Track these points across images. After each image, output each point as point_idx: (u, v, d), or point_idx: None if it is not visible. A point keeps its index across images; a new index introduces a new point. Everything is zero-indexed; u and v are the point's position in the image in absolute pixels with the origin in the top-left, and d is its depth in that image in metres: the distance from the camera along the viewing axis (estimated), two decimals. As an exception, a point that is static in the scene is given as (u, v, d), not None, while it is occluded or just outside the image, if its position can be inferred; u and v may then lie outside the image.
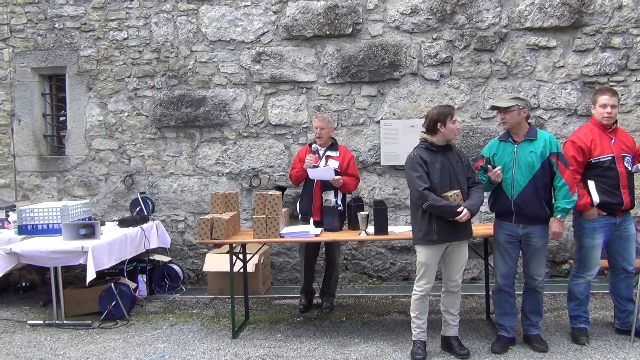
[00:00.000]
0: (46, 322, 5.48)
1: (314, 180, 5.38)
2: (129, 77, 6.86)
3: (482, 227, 5.17)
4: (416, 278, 4.34)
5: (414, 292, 4.34)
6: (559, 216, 4.26)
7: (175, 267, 6.59)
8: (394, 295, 6.08)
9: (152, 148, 6.88)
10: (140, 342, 4.94)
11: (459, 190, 4.17)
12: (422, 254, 4.26)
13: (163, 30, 6.78)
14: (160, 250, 6.62)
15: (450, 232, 4.17)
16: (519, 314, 4.64)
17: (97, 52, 6.88)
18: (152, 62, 6.82)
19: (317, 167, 5.33)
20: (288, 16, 6.56)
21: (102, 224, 6.13)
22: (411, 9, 6.43)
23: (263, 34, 6.65)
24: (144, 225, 6.18)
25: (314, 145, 5.46)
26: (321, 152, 5.46)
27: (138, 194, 6.65)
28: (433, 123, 4.23)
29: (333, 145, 5.55)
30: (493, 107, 4.52)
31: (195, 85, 6.77)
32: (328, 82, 6.59)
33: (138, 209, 6.49)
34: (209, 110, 6.72)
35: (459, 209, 4.07)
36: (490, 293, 4.72)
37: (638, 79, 6.28)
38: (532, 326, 4.46)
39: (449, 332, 4.43)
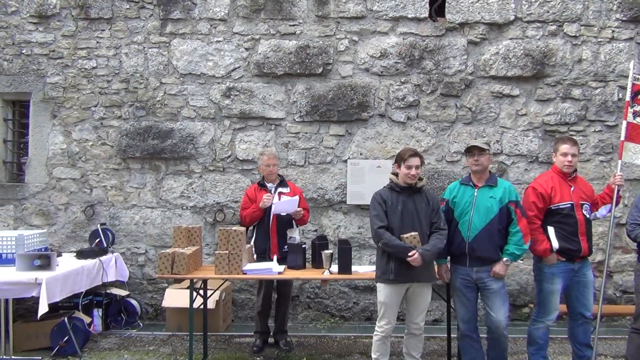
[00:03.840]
0: (-8, 356, 5.23)
1: (269, 217, 5.34)
2: (95, 106, 6.77)
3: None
4: (377, 318, 4.32)
5: (375, 332, 4.31)
6: (505, 259, 4.31)
7: (133, 301, 6.39)
8: (356, 336, 6.02)
9: (116, 179, 6.76)
10: (91, 380, 4.75)
11: (416, 233, 4.18)
12: (382, 293, 4.25)
13: (133, 61, 6.75)
14: (118, 284, 6.43)
15: (408, 274, 4.17)
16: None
17: (65, 80, 6.79)
18: (120, 92, 6.76)
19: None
20: (260, 53, 6.63)
21: (59, 255, 5.92)
22: (381, 52, 6.58)
23: (234, 69, 6.69)
24: (103, 258, 6.00)
25: (269, 185, 5.47)
26: (273, 189, 5.47)
27: (98, 225, 6.47)
28: (393, 164, 4.34)
29: (283, 182, 5.59)
30: (469, 148, 4.51)
31: (163, 117, 6.72)
32: (297, 120, 6.64)
33: (97, 240, 6.31)
34: (176, 142, 6.67)
35: (410, 252, 4.08)
36: (456, 338, 4.71)
37: (596, 130, 6.52)
38: None
39: (410, 375, 4.40)
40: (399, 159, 4.28)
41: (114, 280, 6.21)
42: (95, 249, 6.12)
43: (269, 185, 5.52)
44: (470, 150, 4.49)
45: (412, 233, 4.17)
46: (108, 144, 6.76)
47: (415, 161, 4.25)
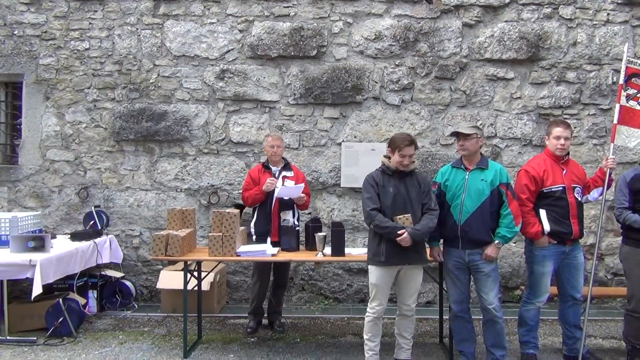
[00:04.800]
0: (-12, 337, 5.26)
1: (271, 200, 5.35)
2: (88, 88, 6.73)
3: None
4: (369, 300, 4.36)
5: (367, 314, 4.36)
6: (496, 241, 4.34)
7: (128, 283, 6.43)
8: (349, 317, 6.07)
9: (110, 161, 6.75)
10: (86, 361, 4.79)
11: (409, 214, 4.21)
12: (373, 274, 4.29)
13: (126, 43, 6.70)
14: (113, 266, 6.46)
15: (400, 255, 4.21)
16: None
17: (57, 62, 6.74)
18: (114, 74, 6.72)
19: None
20: (253, 35, 6.58)
21: (53, 236, 5.96)
22: (375, 35, 6.55)
23: (228, 51, 6.66)
24: (97, 240, 6.03)
25: (274, 168, 5.47)
26: (276, 173, 5.47)
27: (92, 208, 6.49)
28: (388, 147, 4.34)
29: (287, 165, 5.58)
30: (454, 133, 4.61)
31: (156, 99, 6.70)
32: (291, 103, 6.63)
33: (92, 222, 6.33)
34: (169, 125, 6.65)
35: (400, 232, 4.10)
36: (448, 320, 4.75)
37: (590, 113, 6.53)
38: None
39: (402, 356, 4.45)
40: (394, 146, 4.28)
41: (108, 262, 6.25)
42: (89, 231, 6.13)
43: (273, 168, 5.51)
44: (457, 135, 4.51)
45: (405, 214, 4.20)
46: (102, 126, 6.74)
47: (410, 150, 4.25)
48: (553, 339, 5.35)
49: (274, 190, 5.32)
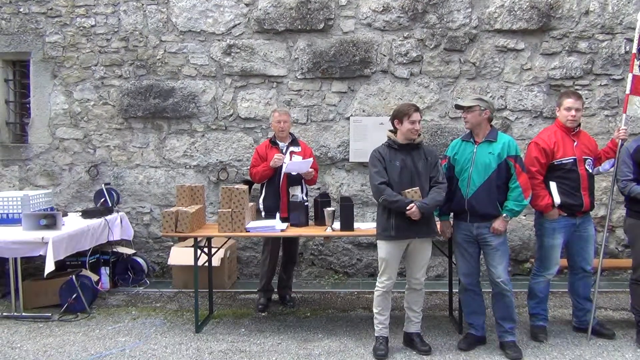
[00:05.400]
0: (4, 314, 5.34)
1: (279, 176, 5.35)
2: (95, 65, 6.72)
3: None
4: (378, 274, 4.38)
5: (376, 288, 4.37)
6: (504, 215, 4.30)
7: (140, 260, 6.49)
8: (359, 292, 6.11)
9: (118, 138, 6.76)
10: (100, 336, 4.86)
11: (417, 188, 4.19)
12: (382, 249, 4.29)
13: (132, 19, 6.66)
14: (125, 243, 6.53)
15: (409, 229, 4.20)
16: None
17: (64, 39, 6.72)
18: (120, 51, 6.70)
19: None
20: (260, 9, 6.51)
21: (65, 214, 6.01)
22: (383, 6, 6.45)
23: (234, 26, 6.59)
24: (108, 217, 6.08)
25: (281, 144, 5.46)
26: (284, 149, 5.45)
27: (103, 185, 6.54)
28: (392, 120, 4.32)
29: (294, 141, 5.56)
30: (457, 106, 4.56)
31: (164, 75, 6.67)
32: (299, 77, 6.57)
33: (102, 200, 6.39)
34: (177, 101, 6.63)
35: (409, 205, 4.10)
36: (457, 293, 4.77)
37: (602, 84, 6.42)
38: (505, 332, 4.41)
39: (411, 329, 4.48)
40: (401, 115, 4.24)
41: (119, 239, 6.31)
42: (100, 209, 6.19)
43: (280, 144, 5.49)
44: (460, 107, 4.45)
45: (414, 188, 4.18)
46: (110, 103, 6.74)
47: (417, 116, 4.23)
48: (563, 311, 5.35)
49: (281, 166, 5.31)
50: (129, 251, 6.42)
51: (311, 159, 5.41)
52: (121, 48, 6.69)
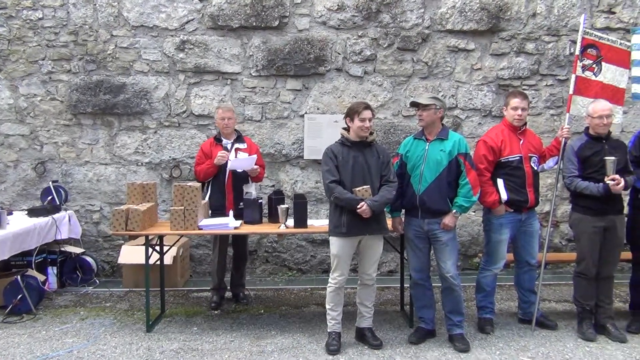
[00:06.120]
0: (-56, 316, 5.15)
1: (224, 174, 5.31)
2: (43, 59, 6.52)
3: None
4: (331, 270, 4.41)
5: (328, 284, 4.41)
6: (454, 211, 4.40)
7: (89, 259, 6.35)
8: (312, 288, 6.14)
9: (67, 135, 6.59)
10: (47, 337, 4.73)
11: (368, 186, 4.25)
12: (334, 245, 4.34)
13: (81, 12, 6.49)
14: (73, 242, 6.37)
15: (360, 226, 4.25)
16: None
17: (9, 32, 6.49)
18: (69, 45, 6.52)
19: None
20: (214, 5, 6.45)
21: (9, 213, 5.81)
22: (338, 5, 6.49)
23: (188, 22, 6.51)
24: (56, 215, 5.92)
25: (224, 141, 5.41)
26: (229, 146, 5.42)
27: (50, 183, 6.35)
28: (344, 118, 4.37)
29: (239, 137, 5.54)
30: (413, 103, 4.63)
31: (114, 71, 6.53)
32: (253, 74, 6.55)
33: (50, 198, 6.20)
34: (129, 97, 6.51)
35: (359, 204, 4.15)
36: (409, 288, 4.85)
37: (548, 84, 6.64)
38: (454, 325, 4.51)
39: (363, 324, 4.53)
40: (352, 113, 4.30)
41: (67, 238, 6.16)
42: (47, 207, 6.02)
43: (225, 141, 5.46)
44: (416, 105, 4.53)
45: (364, 186, 4.24)
46: (58, 99, 6.56)
47: (368, 114, 4.28)
48: (509, 303, 5.52)
49: (227, 164, 5.28)
50: (77, 250, 6.26)
51: (255, 156, 5.38)
52: (70, 42, 6.52)
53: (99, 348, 4.50)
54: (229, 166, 5.28)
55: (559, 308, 5.43)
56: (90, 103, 6.49)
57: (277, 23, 6.48)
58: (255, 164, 5.38)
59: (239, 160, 5.32)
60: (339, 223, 4.28)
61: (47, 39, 6.50)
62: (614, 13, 6.60)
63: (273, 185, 6.56)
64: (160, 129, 6.59)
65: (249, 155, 5.40)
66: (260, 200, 5.29)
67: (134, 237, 5.97)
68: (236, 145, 5.45)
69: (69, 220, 6.16)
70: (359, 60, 6.56)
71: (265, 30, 6.52)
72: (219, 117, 5.44)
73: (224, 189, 5.34)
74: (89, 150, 6.60)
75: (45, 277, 5.78)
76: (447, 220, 4.39)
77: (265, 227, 5.16)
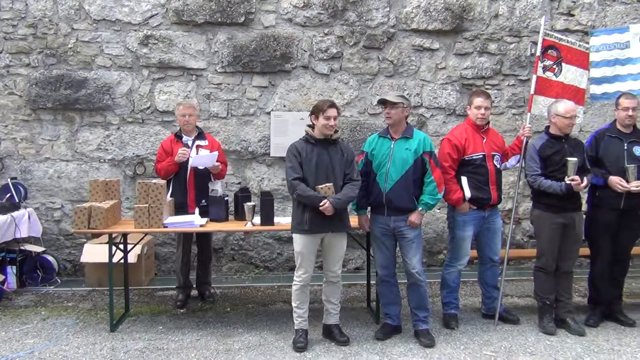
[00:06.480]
0: None
1: (186, 171, 5.26)
2: (0, 52, 6.32)
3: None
4: (295, 268, 4.42)
5: (293, 282, 4.43)
6: (420, 208, 4.47)
7: (50, 258, 6.19)
8: (279, 285, 6.14)
9: (26, 130, 6.41)
10: (6, 338, 4.60)
11: (331, 184, 4.28)
12: (297, 243, 4.36)
13: (41, 5, 6.31)
14: (34, 240, 6.20)
15: (323, 223, 4.28)
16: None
17: (-37, 23, 6.28)
18: (28, 38, 6.34)
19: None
20: (179, 0, 6.36)
21: (-35, 211, 5.64)
22: (304, 2, 6.48)
23: (151, 16, 6.41)
24: (14, 213, 5.76)
25: (185, 138, 5.35)
26: (189, 143, 5.36)
27: (9, 180, 6.16)
28: (310, 116, 4.38)
29: (201, 134, 5.48)
30: (381, 101, 4.64)
31: (76, 65, 6.38)
32: (219, 71, 6.49)
33: (8, 195, 6.03)
34: (90, 93, 6.37)
35: (322, 202, 4.18)
36: (375, 284, 4.90)
37: (510, 84, 6.78)
38: (419, 321, 4.58)
39: (330, 321, 4.56)
40: (317, 111, 4.31)
41: (27, 237, 5.99)
42: (5, 204, 5.85)
43: (185, 137, 5.39)
44: (383, 103, 4.57)
45: (327, 184, 4.26)
46: (16, 93, 6.37)
47: (333, 112, 4.29)
48: (473, 299, 5.63)
49: (188, 161, 5.22)
50: (37, 249, 6.11)
51: (216, 153, 5.33)
52: (29, 35, 6.33)
53: (61, 349, 4.40)
54: (190, 163, 5.22)
55: (521, 303, 5.57)
56: (50, 98, 6.33)
57: (242, 19, 6.44)
58: (217, 161, 5.33)
59: (200, 157, 5.26)
60: (302, 220, 4.29)
61: (4, 32, 6.31)
62: (573, 16, 6.79)
63: (239, 183, 6.53)
64: (124, 125, 6.47)
65: (210, 152, 5.34)
66: (226, 198, 5.26)
67: (97, 236, 5.86)
68: (197, 142, 5.39)
69: (29, 218, 5.99)
70: (325, 58, 6.58)
71: (230, 26, 6.47)
72: (180, 114, 5.36)
73: (185, 186, 5.27)
74: (49, 147, 6.43)
75: (4, 277, 5.63)
76: (413, 217, 4.45)
77: (232, 225, 5.13)
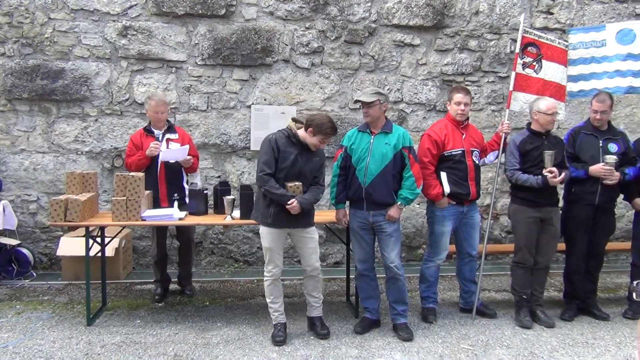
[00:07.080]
0: None
1: (157, 165, 5.20)
2: (-26, 41, 6.20)
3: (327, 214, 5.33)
4: (265, 264, 4.42)
5: (265, 277, 4.43)
6: (399, 203, 4.50)
7: (25, 251, 6.10)
8: (258, 279, 6.11)
9: (1, 121, 6.28)
10: (-21, 332, 4.54)
11: (300, 183, 4.30)
12: (266, 239, 4.38)
13: (17, -7, 6.19)
14: (8, 233, 6.10)
15: (287, 219, 4.30)
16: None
17: (-64, 11, 6.13)
18: (3, 27, 6.20)
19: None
20: (158, -9, 6.29)
21: (-62, 203, 5.52)
22: (286, -5, 6.46)
23: (131, 7, 6.32)
24: (-12, 206, 5.65)
25: (156, 132, 5.29)
26: (160, 136, 5.30)
27: (-18, 171, 6.06)
28: (306, 126, 4.30)
29: (171, 128, 5.40)
30: (357, 101, 4.67)
31: (52, 55, 6.27)
32: (199, 63, 6.43)
33: (-18, 187, 5.92)
34: (68, 83, 6.26)
35: (290, 200, 4.20)
36: (354, 278, 4.92)
37: (489, 80, 6.84)
38: (398, 315, 4.62)
39: (313, 313, 4.58)
40: (319, 131, 4.23)
41: (2, 230, 5.89)
42: (-21, 197, 5.73)
43: (156, 131, 5.32)
44: (360, 102, 4.56)
45: (297, 183, 4.28)
46: (-10, 83, 6.25)
47: (331, 139, 4.37)
48: (451, 293, 5.68)
49: (159, 155, 5.17)
50: (12, 242, 6.01)
51: (187, 146, 5.28)
52: (4, 24, 6.20)
53: (36, 343, 4.34)
54: (161, 157, 5.17)
55: (498, 297, 5.64)
56: (26, 88, 6.21)
57: (223, 12, 6.38)
58: (189, 154, 5.28)
59: (171, 151, 5.21)
60: (266, 213, 4.33)
61: (-21, 20, 6.18)
62: (552, 14, 6.87)
63: (219, 176, 6.48)
64: (102, 117, 6.38)
65: (181, 145, 5.29)
66: (205, 191, 5.22)
67: (74, 228, 5.79)
68: (167, 136, 5.32)
69: (4, 210, 5.88)
70: (306, 52, 6.56)
71: (211, 18, 6.41)
72: (152, 110, 5.27)
73: (157, 180, 5.21)
74: (25, 138, 6.32)
75: (-23, 270, 5.53)
76: (392, 212, 4.47)
77: (211, 219, 5.10)
